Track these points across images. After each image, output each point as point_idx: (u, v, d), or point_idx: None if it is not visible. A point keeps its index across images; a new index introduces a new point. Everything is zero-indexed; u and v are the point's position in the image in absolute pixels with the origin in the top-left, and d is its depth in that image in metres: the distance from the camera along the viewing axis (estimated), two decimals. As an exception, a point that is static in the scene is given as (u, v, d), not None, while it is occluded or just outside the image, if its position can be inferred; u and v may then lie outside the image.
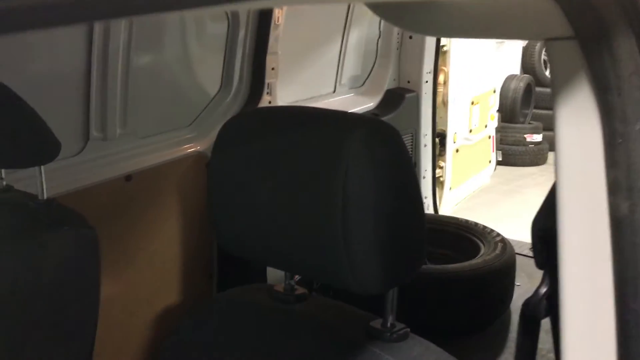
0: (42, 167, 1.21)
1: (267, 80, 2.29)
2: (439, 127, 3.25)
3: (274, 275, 2.06)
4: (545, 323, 0.91)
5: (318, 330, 0.83)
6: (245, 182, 0.79)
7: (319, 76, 2.72)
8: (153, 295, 2.08)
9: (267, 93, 2.29)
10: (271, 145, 0.77)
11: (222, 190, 0.82)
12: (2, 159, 1.21)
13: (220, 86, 2.27)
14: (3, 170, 1.28)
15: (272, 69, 2.30)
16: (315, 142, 0.73)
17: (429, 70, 3.03)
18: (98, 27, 1.79)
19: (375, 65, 2.98)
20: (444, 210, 3.35)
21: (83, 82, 1.84)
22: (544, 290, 0.79)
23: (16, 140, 1.17)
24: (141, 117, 2.00)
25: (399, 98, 2.95)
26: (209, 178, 0.84)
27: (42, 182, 1.22)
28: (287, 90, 2.41)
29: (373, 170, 0.70)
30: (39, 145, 1.17)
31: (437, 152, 3.24)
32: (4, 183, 1.29)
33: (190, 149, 2.14)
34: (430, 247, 2.43)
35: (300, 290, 0.89)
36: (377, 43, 2.95)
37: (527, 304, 0.84)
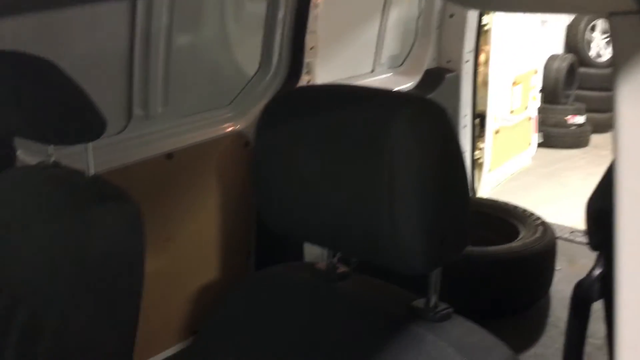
0: (90, 143, 1.24)
1: (306, 60, 2.29)
2: (478, 108, 3.20)
3: (311, 255, 2.07)
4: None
5: (361, 308, 0.83)
6: (289, 159, 0.79)
7: (357, 56, 2.70)
8: (192, 271, 2.12)
9: (306, 72, 2.29)
10: (315, 123, 0.77)
11: (265, 168, 0.82)
12: (51, 135, 1.24)
13: (260, 66, 2.27)
14: (52, 147, 1.31)
15: (311, 48, 2.29)
16: (361, 120, 0.73)
17: (469, 50, 2.98)
18: (141, 7, 1.81)
19: (415, 44, 2.93)
20: (482, 193, 3.30)
21: (126, 61, 1.87)
22: (597, 272, 0.78)
23: (65, 117, 1.20)
24: (182, 96, 2.02)
25: (438, 78, 2.91)
26: (253, 155, 0.84)
27: (90, 158, 1.25)
28: (325, 70, 2.40)
29: (420, 149, 0.70)
30: (87, 123, 1.20)
31: (477, 133, 3.20)
32: (52, 159, 1.33)
33: (230, 127, 2.16)
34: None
35: (342, 268, 0.90)
36: (417, 22, 2.90)
37: (580, 286, 0.82)
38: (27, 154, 1.57)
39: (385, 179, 0.69)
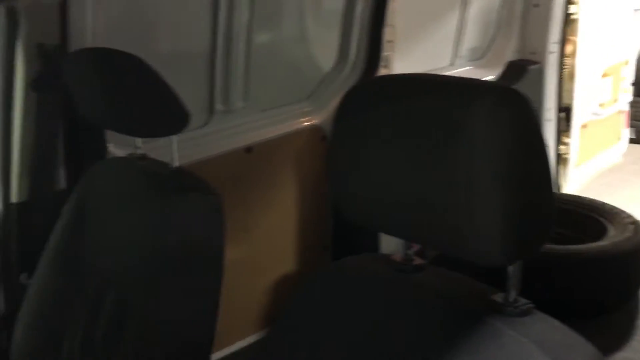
0: (175, 136, 1.29)
1: (383, 53, 2.28)
2: (564, 101, 3.07)
3: (387, 248, 2.06)
4: None
5: (437, 300, 0.82)
6: (365, 149, 0.79)
7: (436, 48, 2.66)
8: (270, 263, 2.16)
9: (384, 66, 2.28)
10: (392, 112, 0.76)
11: (341, 157, 0.83)
12: (139, 129, 1.31)
13: (337, 60, 2.28)
14: (140, 140, 1.37)
15: (389, 41, 2.28)
16: (440, 109, 0.72)
17: (555, 41, 2.86)
18: (223, 5, 1.87)
19: (497, 36, 2.85)
20: (567, 189, 3.17)
21: (209, 58, 1.93)
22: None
23: (152, 111, 1.25)
24: (261, 91, 2.06)
25: (521, 70, 2.82)
26: (329, 144, 0.85)
27: (175, 150, 1.30)
28: (403, 63, 2.38)
29: (501, 138, 0.68)
30: (172, 116, 1.25)
31: (562, 127, 3.07)
32: (140, 152, 1.39)
33: (307, 122, 2.18)
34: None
35: (418, 260, 0.89)
36: (499, 12, 2.82)
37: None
38: (117, 146, 1.66)
39: (464, 169, 0.68)
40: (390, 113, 0.77)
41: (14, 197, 1.58)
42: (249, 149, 2.02)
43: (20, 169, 1.57)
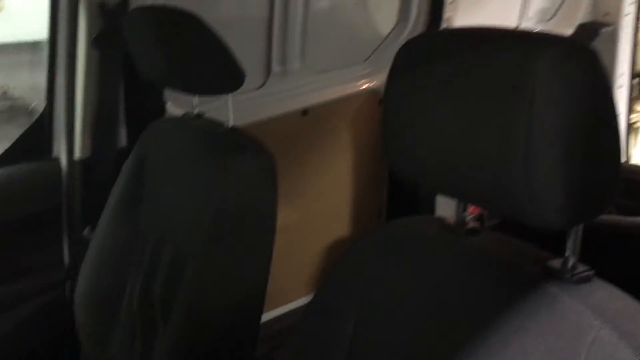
0: (230, 96, 1.29)
1: (445, 15, 2.20)
2: (638, 67, 2.89)
3: (443, 213, 2.02)
4: None
5: (490, 264, 0.80)
6: (421, 105, 0.76)
7: (502, 9, 2.54)
8: (323, 227, 2.17)
9: (445, 28, 2.20)
10: (450, 66, 0.73)
11: (395, 115, 0.80)
12: (196, 86, 1.31)
13: (397, 22, 2.22)
14: (196, 99, 1.38)
15: (451, 2, 2.20)
16: (501, 62, 0.68)
17: (631, 1, 2.68)
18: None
19: (568, -4, 2.70)
20: (638, 160, 3.01)
21: (266, 20, 1.92)
22: None
23: (208, 69, 1.26)
24: (319, 53, 2.04)
25: (592, 33, 2.66)
26: (384, 100, 0.82)
27: (230, 109, 1.30)
28: (466, 25, 2.29)
29: (564, 93, 0.64)
30: (228, 74, 1.25)
31: (635, 94, 2.90)
32: (196, 111, 1.40)
33: (364, 85, 2.15)
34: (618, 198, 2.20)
35: (472, 224, 0.86)
36: (572, -29, 2.66)
37: None
38: (175, 105, 1.68)
39: (523, 124, 0.64)
40: (448, 68, 0.73)
41: (77, 154, 1.64)
42: (305, 112, 2.01)
43: (83, 126, 1.62)
